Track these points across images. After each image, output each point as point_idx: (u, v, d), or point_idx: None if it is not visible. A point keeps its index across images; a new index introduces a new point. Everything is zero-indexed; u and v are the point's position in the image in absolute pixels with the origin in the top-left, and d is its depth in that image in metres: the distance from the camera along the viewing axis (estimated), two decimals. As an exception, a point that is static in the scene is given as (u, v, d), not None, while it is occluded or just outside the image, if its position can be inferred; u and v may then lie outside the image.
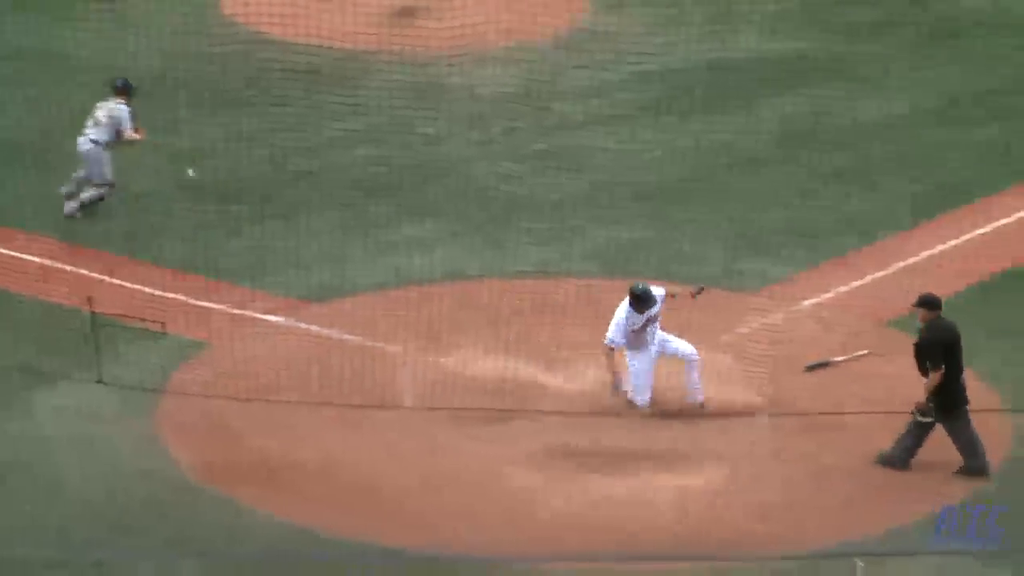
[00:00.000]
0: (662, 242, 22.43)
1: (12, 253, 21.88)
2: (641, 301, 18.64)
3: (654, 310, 18.76)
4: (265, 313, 20.57)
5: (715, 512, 17.13)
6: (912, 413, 17.49)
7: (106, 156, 23.29)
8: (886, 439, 17.87)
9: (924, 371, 17.50)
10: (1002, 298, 18.80)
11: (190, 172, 23.69)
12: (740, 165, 24.65)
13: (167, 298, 20.79)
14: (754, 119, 25.97)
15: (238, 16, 28.07)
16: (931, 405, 17.41)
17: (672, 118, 25.94)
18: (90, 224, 22.58)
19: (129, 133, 23.59)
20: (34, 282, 21.26)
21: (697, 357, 18.83)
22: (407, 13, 29.41)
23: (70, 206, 23.17)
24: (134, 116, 23.54)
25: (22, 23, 28.61)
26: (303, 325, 20.31)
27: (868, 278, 21.66)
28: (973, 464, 17.53)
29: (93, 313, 19.79)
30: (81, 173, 23.24)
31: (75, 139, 22.98)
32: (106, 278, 21.33)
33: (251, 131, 25.14)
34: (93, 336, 19.53)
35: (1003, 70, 27.76)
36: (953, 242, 22.28)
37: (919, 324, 17.61)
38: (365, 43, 27.92)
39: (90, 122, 23.34)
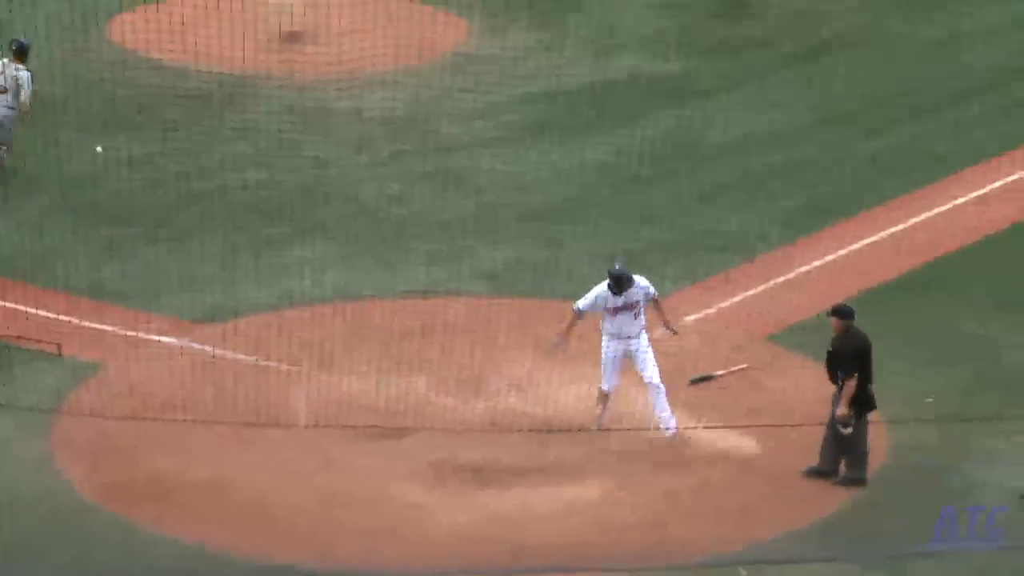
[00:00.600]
0: (548, 261, 22.48)
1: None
2: (616, 281, 18.66)
3: (633, 297, 18.76)
4: (159, 334, 20.45)
5: (601, 523, 17.23)
6: (836, 425, 17.63)
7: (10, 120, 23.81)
8: (768, 449, 18.07)
9: (835, 379, 17.70)
10: (873, 310, 18.99)
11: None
12: (623, 184, 24.76)
13: (61, 320, 20.60)
14: (635, 138, 26.05)
15: (126, 42, 27.87)
16: (852, 414, 17.60)
17: (556, 139, 26.06)
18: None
19: (26, 96, 23.89)
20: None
21: (656, 384, 18.77)
22: (293, 38, 29.29)
23: None
24: (33, 79, 23.98)
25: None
26: (196, 346, 20.21)
27: (748, 293, 21.86)
28: (857, 474, 17.75)
29: (-13, 337, 19.66)
30: None
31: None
32: (-1, 301, 21.12)
33: (142, 155, 25.01)
34: (-12, 360, 19.37)
35: (874, 88, 28.07)
36: (830, 257, 22.51)
37: (833, 333, 17.78)
38: (253, 68, 27.81)
39: None
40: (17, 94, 24.02)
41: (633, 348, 18.82)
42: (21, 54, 24.29)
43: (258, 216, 23.44)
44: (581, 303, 18.90)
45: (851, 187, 24.48)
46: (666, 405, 18.73)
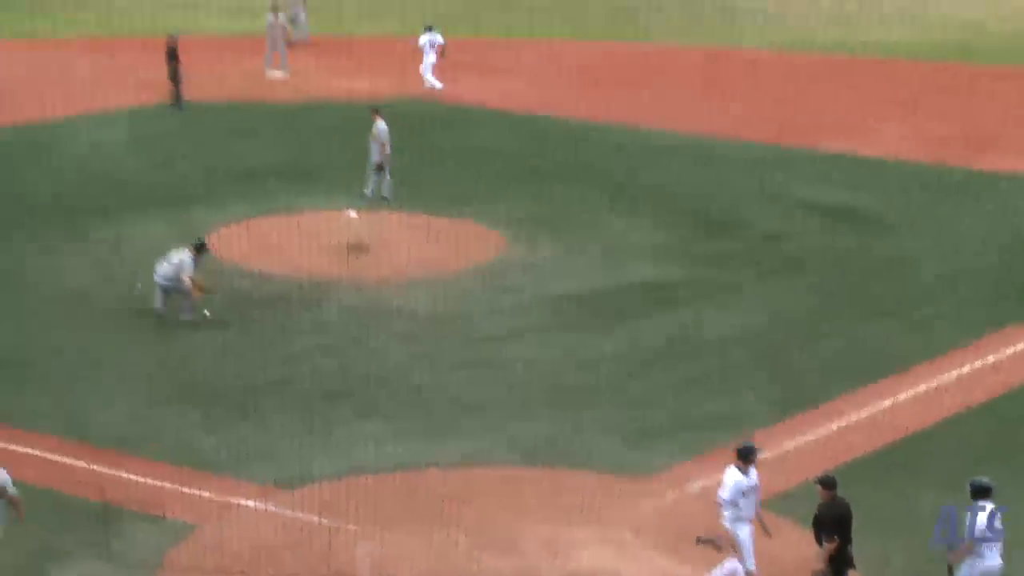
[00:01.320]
0: (571, 435, 21.94)
1: (31, 451, 21.13)
2: (746, 452, 17.41)
3: (755, 478, 17.47)
4: (246, 499, 19.92)
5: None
6: None
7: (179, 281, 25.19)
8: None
9: (819, 540, 17.08)
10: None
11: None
12: (632, 370, 24.35)
13: (165, 487, 20.09)
14: (643, 332, 25.73)
15: (220, 253, 27.82)
16: (830, 571, 16.97)
17: (577, 333, 25.76)
18: (96, 428, 21.84)
19: (185, 278, 24.97)
20: (53, 475, 20.49)
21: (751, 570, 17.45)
22: (358, 249, 29.29)
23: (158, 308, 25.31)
24: (196, 265, 25.10)
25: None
26: (278, 509, 19.67)
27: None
28: None
29: (104, 501, 19.16)
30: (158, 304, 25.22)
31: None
32: (113, 471, 20.59)
33: (230, 345, 24.74)
34: (103, 520, 18.85)
35: (842, 296, 27.75)
36: (806, 438, 22.00)
37: (820, 499, 17.20)
38: (324, 274, 27.76)
39: (163, 263, 25.11)
40: (176, 273, 25.32)
41: (750, 526, 17.59)
42: (199, 249, 25.45)
43: (328, 397, 22.94)
44: (726, 495, 17.35)
45: (820, 379, 23.97)
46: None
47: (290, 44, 45.48)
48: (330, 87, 43.06)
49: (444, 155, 35.72)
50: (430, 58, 42.86)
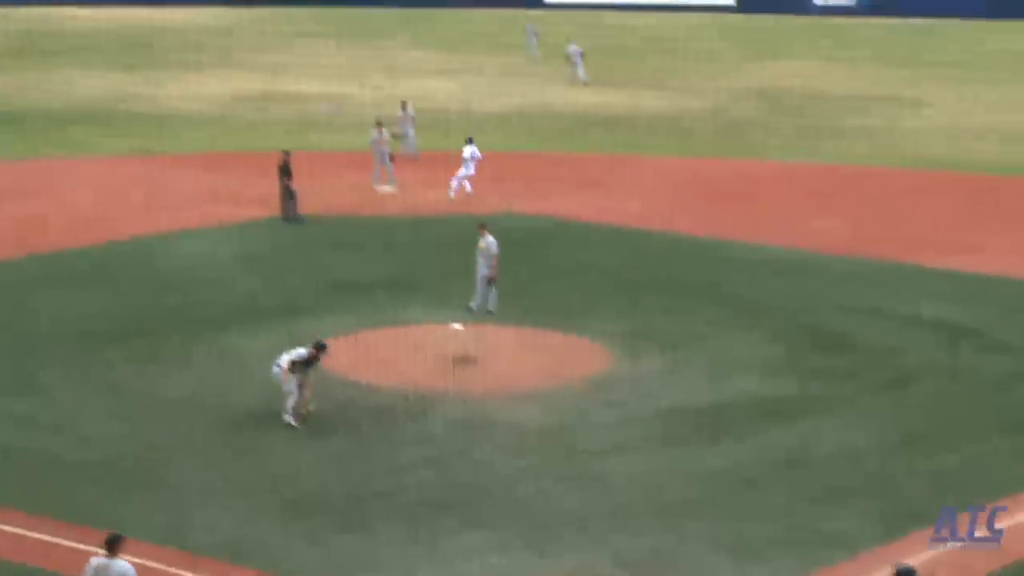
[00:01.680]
0: (676, 549, 21.68)
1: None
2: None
3: None
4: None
5: None
6: None
7: (291, 378, 25.63)
8: None
9: None
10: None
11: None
12: (738, 486, 24.01)
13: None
14: (749, 448, 25.42)
15: (328, 365, 27.95)
16: None
17: (683, 448, 25.50)
18: (199, 536, 21.90)
19: (285, 362, 25.73)
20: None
21: None
22: (464, 361, 29.34)
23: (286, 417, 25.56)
24: (304, 360, 25.62)
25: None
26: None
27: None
28: None
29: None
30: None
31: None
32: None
33: (335, 455, 24.79)
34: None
35: (954, 413, 27.28)
36: (919, 558, 21.45)
37: None
38: (430, 385, 27.79)
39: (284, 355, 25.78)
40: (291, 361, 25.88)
41: None
42: (316, 347, 25.98)
43: (433, 509, 22.86)
44: None
45: (931, 496, 23.44)
46: None
47: (396, 159, 46.07)
48: (436, 201, 43.48)
49: (549, 269, 35.83)
50: (469, 170, 44.00)
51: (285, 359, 25.89)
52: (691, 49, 76.14)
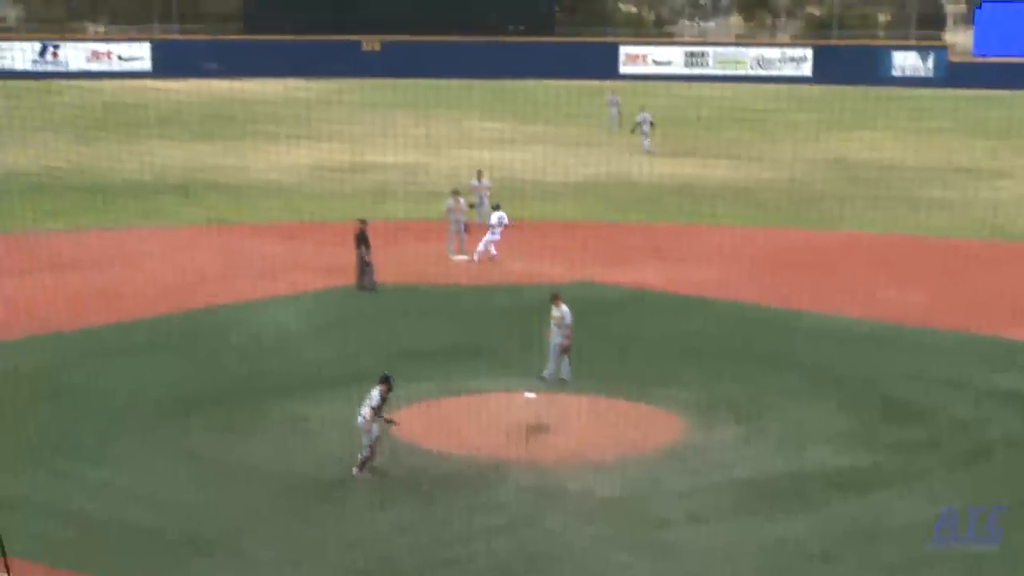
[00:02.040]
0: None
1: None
2: None
3: None
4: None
5: None
6: None
7: (374, 426, 26.22)
8: None
9: None
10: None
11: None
12: (812, 558, 23.81)
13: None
14: (823, 519, 25.25)
15: (400, 433, 28.08)
16: None
17: (756, 518, 25.35)
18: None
19: (367, 411, 26.15)
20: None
21: None
22: (537, 429, 29.37)
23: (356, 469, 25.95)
24: (380, 400, 26.07)
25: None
26: None
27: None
28: None
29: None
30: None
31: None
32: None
33: (406, 522, 24.84)
34: None
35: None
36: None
37: None
38: (501, 454, 27.81)
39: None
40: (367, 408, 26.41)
41: None
42: (384, 381, 26.52)
43: (503, 577, 22.91)
44: None
45: (1013, 570, 23.15)
46: None
47: (471, 228, 46.37)
48: (511, 270, 43.68)
49: (622, 338, 35.83)
50: (495, 235, 45.08)
51: (366, 409, 26.29)
52: (767, 120, 76.15)
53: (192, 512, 25.23)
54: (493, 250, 45.19)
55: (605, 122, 76.73)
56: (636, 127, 69.38)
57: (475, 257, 44.79)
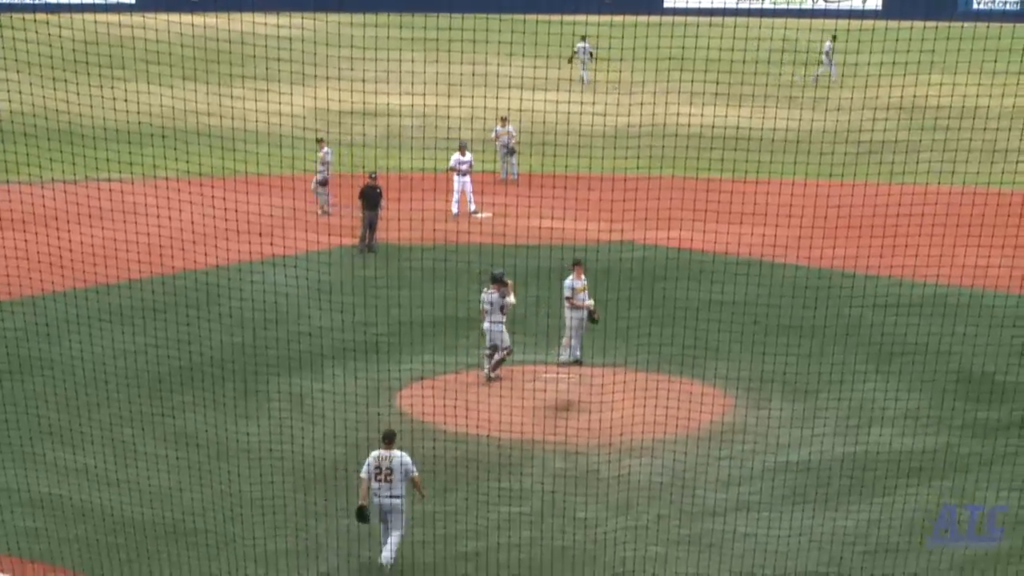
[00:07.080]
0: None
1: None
2: None
3: None
4: None
5: None
6: None
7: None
8: None
9: None
10: None
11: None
12: (873, 554, 23.81)
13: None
14: (888, 509, 25.22)
15: (412, 411, 28.15)
16: None
17: (810, 507, 25.35)
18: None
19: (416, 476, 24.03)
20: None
21: None
22: (564, 408, 29.39)
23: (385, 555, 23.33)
24: (414, 466, 23.86)
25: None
26: None
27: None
28: None
29: None
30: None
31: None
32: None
33: (418, 512, 24.91)
34: None
35: None
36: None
37: None
38: (527, 435, 27.84)
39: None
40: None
41: None
42: (389, 440, 24.08)
43: (527, 572, 22.90)
44: None
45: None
46: None
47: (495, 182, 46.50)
48: (534, 228, 43.64)
49: (662, 306, 35.78)
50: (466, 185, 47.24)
51: (364, 471, 23.91)
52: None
53: (183, 500, 25.32)
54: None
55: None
56: (573, 56, 72.81)
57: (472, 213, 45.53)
